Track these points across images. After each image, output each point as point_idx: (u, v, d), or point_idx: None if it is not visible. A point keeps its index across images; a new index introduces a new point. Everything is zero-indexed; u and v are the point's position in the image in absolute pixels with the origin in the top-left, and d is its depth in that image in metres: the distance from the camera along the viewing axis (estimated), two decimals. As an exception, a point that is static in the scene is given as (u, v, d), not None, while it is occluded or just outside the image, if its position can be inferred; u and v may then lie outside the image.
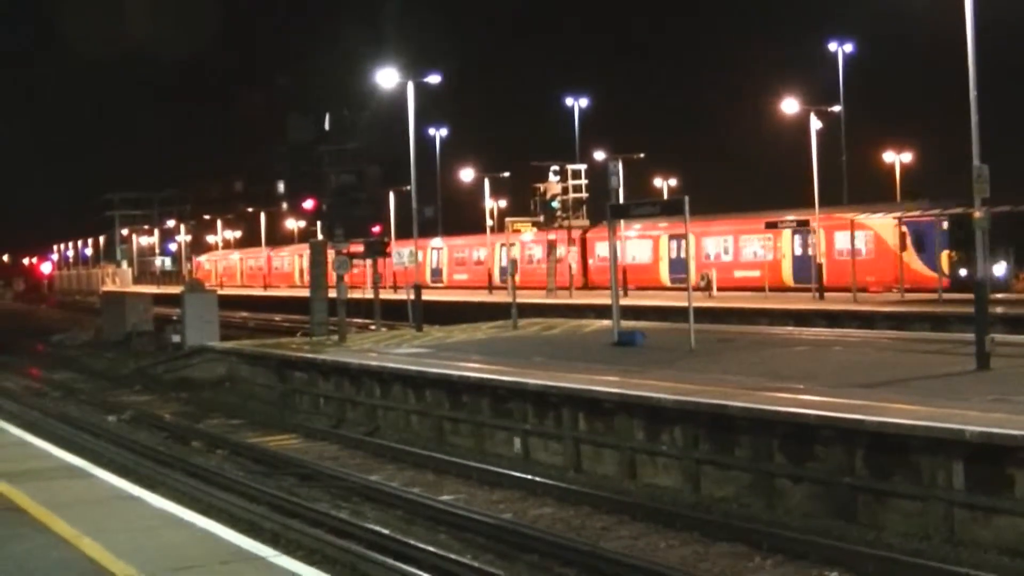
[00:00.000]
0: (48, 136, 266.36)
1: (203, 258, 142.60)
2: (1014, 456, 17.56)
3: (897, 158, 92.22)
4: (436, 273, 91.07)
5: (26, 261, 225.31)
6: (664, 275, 71.30)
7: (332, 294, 46.41)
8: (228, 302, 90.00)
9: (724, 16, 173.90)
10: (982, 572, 16.41)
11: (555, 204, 72.83)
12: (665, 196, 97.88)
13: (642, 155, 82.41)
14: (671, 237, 70.73)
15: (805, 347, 33.82)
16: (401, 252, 69.02)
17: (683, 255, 64.75)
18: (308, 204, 49.01)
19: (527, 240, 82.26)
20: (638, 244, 73.81)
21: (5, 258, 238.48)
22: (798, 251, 63.77)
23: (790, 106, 67.61)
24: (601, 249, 74.36)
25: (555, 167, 74.35)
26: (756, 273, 63.02)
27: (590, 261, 77.90)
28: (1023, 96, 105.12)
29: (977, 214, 26.86)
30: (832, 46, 72.21)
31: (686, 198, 33.96)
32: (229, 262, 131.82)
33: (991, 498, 17.91)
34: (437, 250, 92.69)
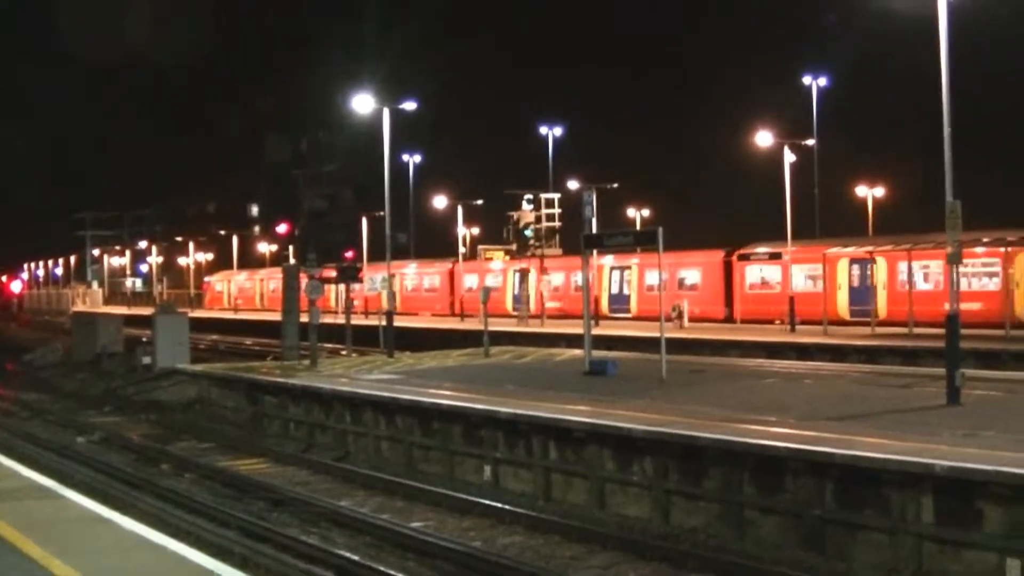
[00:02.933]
0: (20, 153, 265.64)
1: (214, 278, 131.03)
2: (983, 490, 17.65)
3: (870, 192, 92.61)
4: (517, 300, 76.84)
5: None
6: (842, 306, 58.73)
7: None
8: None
9: (700, 48, 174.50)
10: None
11: (528, 232, 72.79)
12: (638, 227, 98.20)
13: (615, 185, 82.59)
14: (853, 261, 58.46)
15: (776, 379, 33.91)
16: (374, 277, 68.42)
17: (869, 283, 56.47)
18: (282, 228, 49.08)
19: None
20: (805, 270, 61.01)
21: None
22: None
23: (764, 139, 67.81)
24: (755, 274, 64.75)
25: (528, 196, 74.37)
26: (976, 305, 50.20)
27: (739, 290, 65.15)
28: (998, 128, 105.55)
29: (949, 249, 26.99)
30: (807, 80, 72.40)
31: (659, 229, 34.02)
32: (247, 284, 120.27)
33: (960, 532, 17.99)
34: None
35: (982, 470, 17.65)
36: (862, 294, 57.35)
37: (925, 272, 55.24)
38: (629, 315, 69.66)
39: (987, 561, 17.63)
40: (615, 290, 72.55)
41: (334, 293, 74.97)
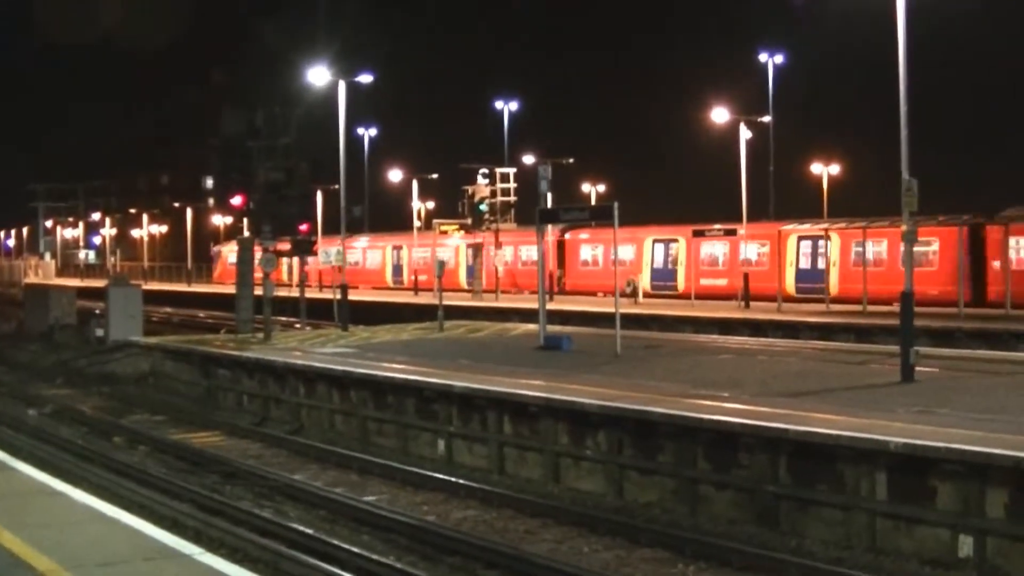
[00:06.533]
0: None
1: (228, 248, 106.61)
2: (937, 468, 17.72)
3: (825, 170, 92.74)
4: (665, 274, 66.25)
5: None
6: None
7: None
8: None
9: (658, 24, 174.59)
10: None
11: (483, 207, 72.50)
12: (593, 202, 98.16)
13: (571, 160, 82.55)
14: None
15: (730, 355, 33.98)
16: (328, 251, 67.81)
17: None
18: (236, 200, 48.45)
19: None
20: None
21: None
22: None
23: (720, 115, 67.81)
24: None
25: (484, 170, 74.05)
26: None
27: (994, 263, 50.16)
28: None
29: (904, 226, 27.06)
30: (763, 57, 72.43)
31: (615, 204, 34.01)
32: None
33: (913, 508, 18.07)
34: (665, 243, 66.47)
35: (936, 447, 17.73)
36: None
37: None
38: (826, 296, 53.83)
39: (940, 537, 17.71)
40: (805, 264, 58.72)
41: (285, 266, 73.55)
